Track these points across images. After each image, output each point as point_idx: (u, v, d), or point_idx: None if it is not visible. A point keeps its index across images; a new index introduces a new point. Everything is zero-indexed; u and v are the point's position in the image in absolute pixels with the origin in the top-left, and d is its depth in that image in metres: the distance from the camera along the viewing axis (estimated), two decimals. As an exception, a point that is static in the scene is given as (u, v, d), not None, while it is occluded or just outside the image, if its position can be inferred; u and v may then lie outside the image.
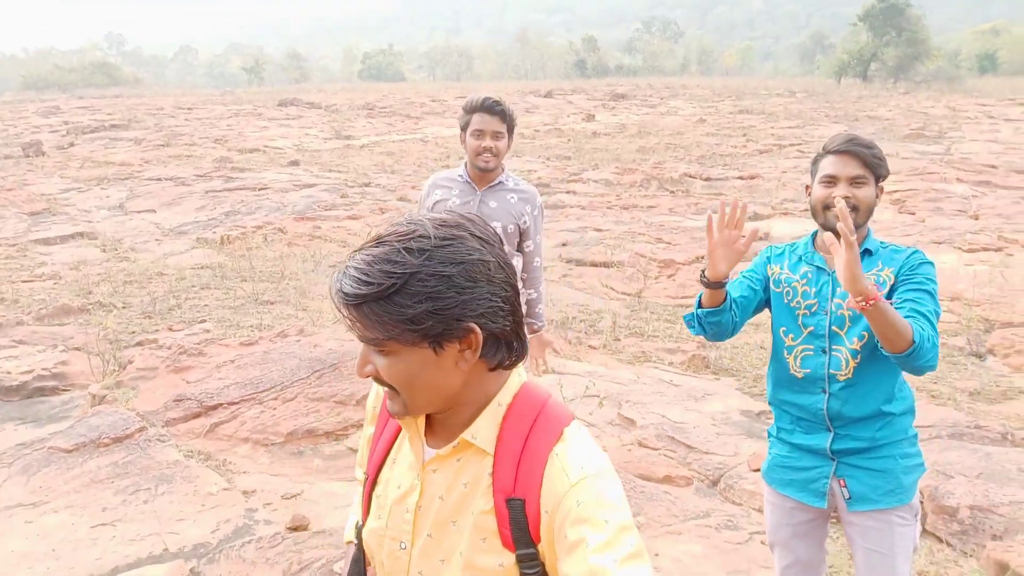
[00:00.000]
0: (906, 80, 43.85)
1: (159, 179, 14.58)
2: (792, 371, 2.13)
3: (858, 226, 2.06)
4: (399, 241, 1.04)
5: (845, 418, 2.06)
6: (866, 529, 2.04)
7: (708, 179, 13.74)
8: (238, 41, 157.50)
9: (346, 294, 1.03)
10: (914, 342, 1.82)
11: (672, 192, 13.03)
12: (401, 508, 1.18)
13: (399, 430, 1.23)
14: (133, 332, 6.07)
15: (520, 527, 1.08)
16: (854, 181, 2.06)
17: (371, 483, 1.26)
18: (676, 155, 17.06)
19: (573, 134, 22.02)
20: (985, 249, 7.27)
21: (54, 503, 3.41)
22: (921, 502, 2.12)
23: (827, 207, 2.07)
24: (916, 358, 1.84)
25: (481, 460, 1.12)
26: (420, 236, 1.04)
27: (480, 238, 1.08)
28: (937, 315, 1.96)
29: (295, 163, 16.58)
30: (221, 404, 4.34)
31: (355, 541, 1.33)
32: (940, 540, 3.14)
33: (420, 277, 1.02)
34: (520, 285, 3.18)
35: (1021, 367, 5.01)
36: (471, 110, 2.98)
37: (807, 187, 2.21)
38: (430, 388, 1.08)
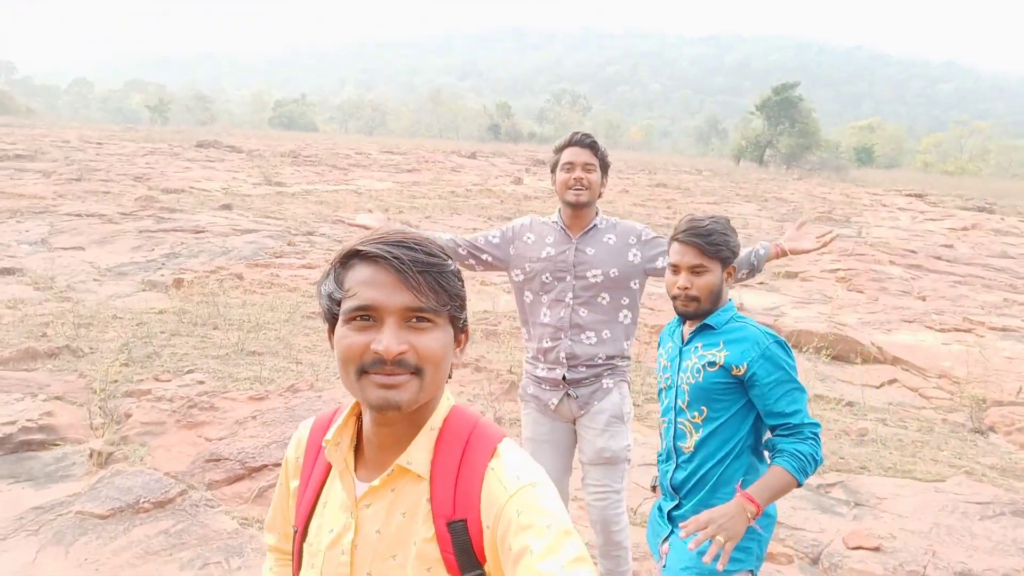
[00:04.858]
0: (798, 167, 47.34)
1: (79, 215, 13.62)
2: (663, 444, 2.22)
3: (705, 312, 2.10)
4: (424, 241, 1.11)
5: (685, 490, 2.11)
6: None
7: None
8: (136, 77, 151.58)
9: (417, 260, 1.06)
10: (799, 482, 1.94)
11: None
12: (336, 551, 1.13)
13: (326, 474, 1.19)
14: (115, 381, 5.47)
15: (464, 549, 1.06)
16: (693, 270, 2.09)
17: (301, 535, 1.20)
18: (615, 223, 17.55)
19: (505, 195, 22.34)
20: (957, 330, 7.77)
21: (113, 581, 2.93)
22: None
23: (674, 296, 2.11)
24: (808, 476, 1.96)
25: (417, 486, 1.10)
26: (437, 247, 1.11)
27: None
28: (804, 398, 2.02)
29: (227, 207, 15.94)
30: (266, 466, 3.93)
31: None
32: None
33: (455, 270, 1.12)
34: None
35: (1027, 444, 5.29)
36: (560, 148, 2.75)
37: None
38: (445, 370, 1.11)
